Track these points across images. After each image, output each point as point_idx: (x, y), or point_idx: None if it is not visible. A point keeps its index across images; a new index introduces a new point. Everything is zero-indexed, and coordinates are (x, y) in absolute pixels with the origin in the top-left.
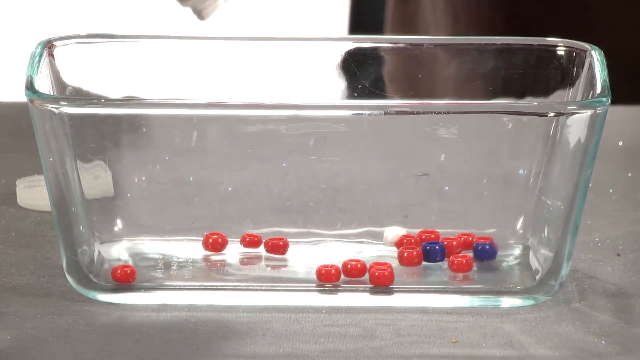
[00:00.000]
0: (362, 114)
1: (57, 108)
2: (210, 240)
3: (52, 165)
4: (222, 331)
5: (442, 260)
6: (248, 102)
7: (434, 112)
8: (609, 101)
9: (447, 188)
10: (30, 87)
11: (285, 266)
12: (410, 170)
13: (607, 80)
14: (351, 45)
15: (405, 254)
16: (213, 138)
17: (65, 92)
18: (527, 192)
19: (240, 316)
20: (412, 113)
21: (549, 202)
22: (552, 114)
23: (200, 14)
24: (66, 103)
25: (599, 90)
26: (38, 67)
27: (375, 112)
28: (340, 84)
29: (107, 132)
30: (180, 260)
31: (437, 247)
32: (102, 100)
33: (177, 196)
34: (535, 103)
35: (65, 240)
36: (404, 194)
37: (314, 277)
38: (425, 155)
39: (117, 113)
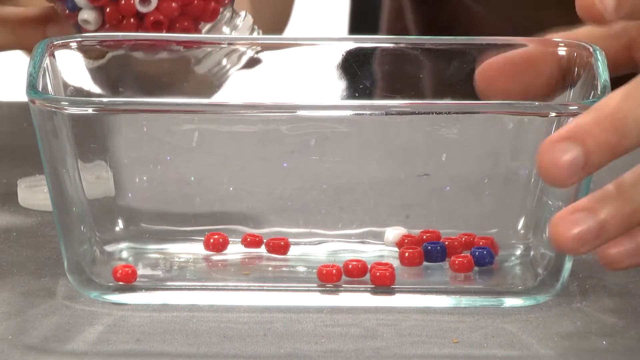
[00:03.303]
0: (363, 114)
1: (58, 109)
2: (212, 241)
3: (53, 165)
4: (223, 331)
5: (443, 260)
6: (250, 102)
7: (435, 113)
8: None
9: (447, 188)
10: (31, 87)
11: (286, 266)
12: (411, 170)
13: (608, 80)
14: (352, 45)
15: (406, 254)
16: (214, 138)
17: (67, 92)
18: (528, 192)
19: (241, 316)
20: (414, 113)
21: (550, 202)
22: (553, 114)
23: (216, 77)
24: (67, 103)
25: (599, 91)
26: (39, 67)
27: (377, 112)
28: (341, 84)
29: (108, 131)
30: (181, 260)
31: (438, 248)
32: (104, 101)
33: (178, 196)
34: (536, 103)
35: (67, 240)
36: (405, 194)
37: (315, 277)
38: (426, 155)
39: (119, 113)
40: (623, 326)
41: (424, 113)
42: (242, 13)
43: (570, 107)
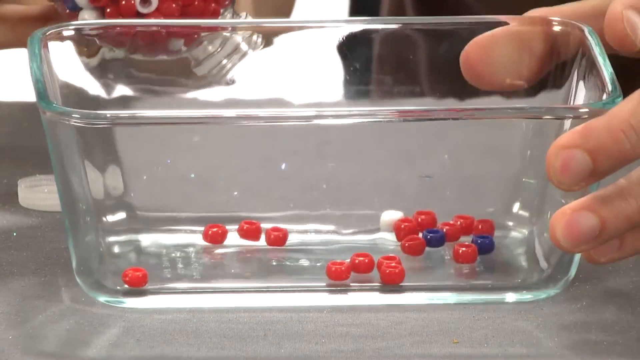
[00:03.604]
0: (364, 122)
1: (69, 121)
2: (210, 233)
3: (62, 167)
4: (223, 331)
5: (442, 244)
6: (256, 114)
7: (452, 119)
8: (621, 99)
9: (448, 193)
10: (41, 97)
11: (288, 266)
12: (411, 170)
13: (614, 75)
14: (343, 27)
15: (407, 245)
16: (216, 139)
17: (57, 86)
18: (534, 190)
19: (241, 316)
20: (421, 120)
21: (561, 201)
22: (569, 116)
23: (215, 79)
24: (78, 116)
25: (609, 86)
26: (42, 69)
27: (383, 118)
28: (331, 66)
29: (116, 134)
30: (183, 256)
31: (437, 236)
32: (114, 115)
33: (183, 197)
34: (546, 107)
35: (76, 241)
36: (406, 193)
37: (321, 276)
38: (427, 155)
39: (131, 125)
40: (623, 326)
41: (425, 120)
42: (243, 14)
43: (581, 110)
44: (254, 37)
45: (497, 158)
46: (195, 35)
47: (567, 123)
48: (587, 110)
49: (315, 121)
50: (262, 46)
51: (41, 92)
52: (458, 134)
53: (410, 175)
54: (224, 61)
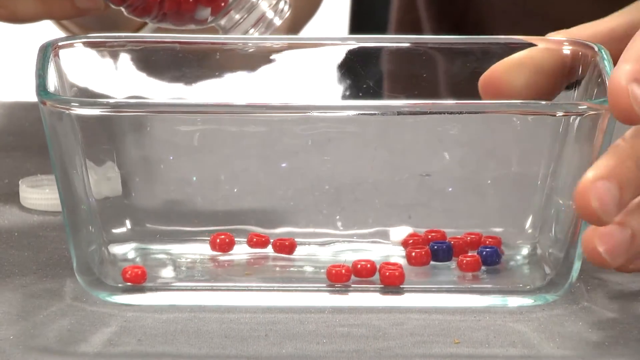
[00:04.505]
0: (367, 114)
1: (68, 110)
2: (218, 241)
3: (62, 165)
4: (225, 331)
5: (449, 259)
6: (255, 103)
7: (447, 112)
8: None
9: (450, 189)
10: (42, 88)
11: (292, 267)
12: (414, 170)
13: None
14: (355, 45)
15: (414, 254)
16: (218, 138)
17: (71, 93)
18: (536, 191)
19: (243, 317)
20: (418, 113)
21: (560, 201)
22: (560, 114)
23: (225, 31)
24: (77, 104)
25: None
26: (47, 68)
27: (380, 112)
28: (344, 84)
29: (117, 132)
30: (188, 260)
31: (444, 247)
32: (113, 102)
33: (185, 196)
34: (543, 103)
35: (76, 240)
36: (408, 194)
37: (322, 277)
38: (430, 155)
39: (129, 115)
40: (624, 326)
41: (429, 113)
42: None
43: (579, 107)
44: (280, 4)
45: (502, 161)
46: (222, 4)
47: (572, 131)
48: (585, 106)
49: (318, 112)
50: (288, 13)
51: (42, 83)
52: (460, 135)
53: (414, 176)
54: (251, 30)
